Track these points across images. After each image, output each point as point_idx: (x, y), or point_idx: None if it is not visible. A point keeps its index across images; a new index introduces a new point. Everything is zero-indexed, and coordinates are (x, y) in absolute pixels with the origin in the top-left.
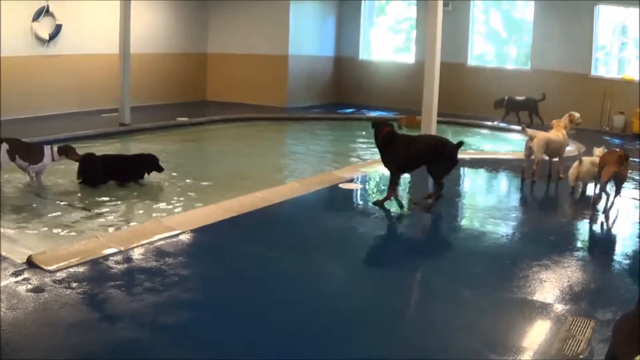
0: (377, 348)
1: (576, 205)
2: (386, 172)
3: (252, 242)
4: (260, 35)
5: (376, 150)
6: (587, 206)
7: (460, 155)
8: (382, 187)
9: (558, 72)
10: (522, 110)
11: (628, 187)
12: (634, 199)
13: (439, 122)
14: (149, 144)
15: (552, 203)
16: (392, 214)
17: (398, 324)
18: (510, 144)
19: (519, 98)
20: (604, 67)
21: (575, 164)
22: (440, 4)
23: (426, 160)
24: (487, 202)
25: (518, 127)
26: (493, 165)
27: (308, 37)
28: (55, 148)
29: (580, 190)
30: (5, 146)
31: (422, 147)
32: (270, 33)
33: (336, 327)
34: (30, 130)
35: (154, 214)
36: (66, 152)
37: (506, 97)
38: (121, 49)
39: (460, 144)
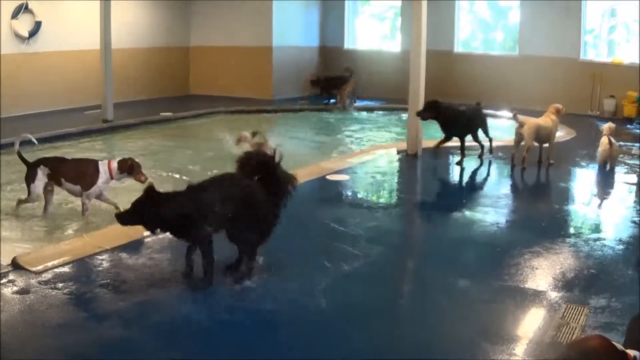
0: (369, 339)
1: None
2: (374, 162)
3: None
4: (243, 27)
5: (363, 140)
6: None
7: (448, 144)
8: (371, 177)
9: (546, 57)
10: (336, 88)
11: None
12: (628, 183)
13: None
14: (134, 140)
15: (542, 189)
16: (381, 205)
17: (389, 314)
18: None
19: (333, 76)
20: (594, 50)
21: (605, 145)
22: None
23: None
24: (476, 190)
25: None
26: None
27: (292, 27)
28: (114, 162)
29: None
30: (44, 170)
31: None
32: (254, 24)
33: (325, 318)
34: (10, 130)
35: None
36: (131, 168)
37: (322, 77)
38: (102, 44)
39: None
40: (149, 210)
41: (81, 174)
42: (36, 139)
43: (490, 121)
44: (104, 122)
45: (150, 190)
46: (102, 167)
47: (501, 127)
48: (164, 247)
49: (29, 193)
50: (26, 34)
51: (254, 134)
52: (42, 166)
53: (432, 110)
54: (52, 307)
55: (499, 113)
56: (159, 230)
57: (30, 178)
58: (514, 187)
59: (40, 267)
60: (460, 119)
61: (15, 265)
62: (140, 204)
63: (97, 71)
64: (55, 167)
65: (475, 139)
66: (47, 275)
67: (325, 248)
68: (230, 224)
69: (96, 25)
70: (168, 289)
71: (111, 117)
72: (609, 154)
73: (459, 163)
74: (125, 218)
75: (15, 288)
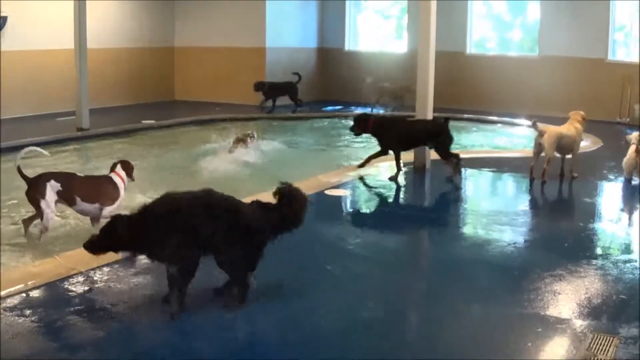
0: None
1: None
2: (377, 176)
3: None
4: (233, 26)
5: (367, 151)
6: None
7: (461, 155)
8: (374, 193)
9: (570, 58)
10: (283, 95)
11: None
12: None
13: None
14: (111, 151)
15: (565, 206)
16: (385, 224)
17: (399, 343)
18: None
19: (279, 82)
20: (624, 49)
21: (632, 153)
22: None
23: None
24: (492, 206)
25: None
26: (498, 165)
27: (288, 26)
28: (120, 170)
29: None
30: (55, 186)
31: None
32: (245, 23)
33: (330, 349)
34: None
35: None
36: (132, 170)
37: (267, 82)
38: (76, 43)
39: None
40: (120, 234)
41: (100, 192)
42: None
43: (506, 130)
44: (78, 131)
45: (117, 216)
46: (116, 179)
47: (519, 136)
48: (143, 269)
49: (39, 211)
50: None
51: (249, 136)
52: (52, 182)
53: (360, 125)
54: (19, 337)
55: (516, 121)
56: (134, 254)
57: (37, 194)
58: (533, 203)
59: (5, 292)
60: (392, 132)
61: None
62: (109, 228)
63: (71, 73)
64: (69, 184)
65: (438, 153)
66: (13, 301)
67: (322, 271)
68: (215, 247)
69: (70, 22)
70: (148, 316)
71: (86, 124)
72: (634, 164)
73: (393, 178)
74: (95, 246)
75: None
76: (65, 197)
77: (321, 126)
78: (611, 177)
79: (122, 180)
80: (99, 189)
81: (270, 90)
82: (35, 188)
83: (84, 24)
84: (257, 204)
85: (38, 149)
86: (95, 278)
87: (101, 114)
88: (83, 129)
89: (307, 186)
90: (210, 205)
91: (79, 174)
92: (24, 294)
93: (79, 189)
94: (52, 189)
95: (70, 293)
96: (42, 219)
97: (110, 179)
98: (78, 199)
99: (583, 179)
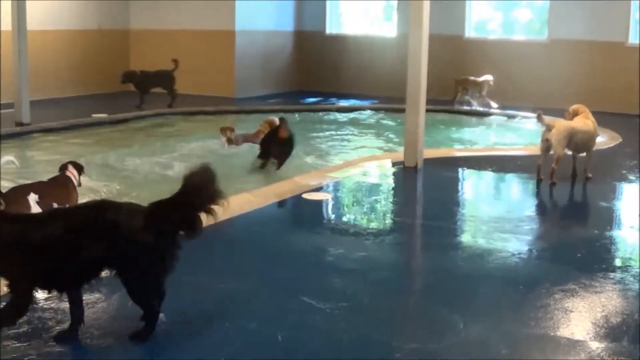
0: None
1: None
2: (362, 177)
3: (191, 271)
4: (198, 5)
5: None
6: None
7: (459, 153)
8: (358, 196)
9: (584, 42)
10: (157, 86)
11: None
12: None
13: (429, 111)
14: (55, 149)
15: (578, 210)
16: (371, 232)
17: None
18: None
19: (151, 71)
20: None
21: None
22: None
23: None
24: (493, 212)
25: None
26: (500, 164)
27: (260, 6)
28: (72, 169)
29: None
30: (34, 197)
31: None
32: (212, 2)
33: None
34: None
35: None
36: (78, 167)
37: (139, 71)
38: (14, 23)
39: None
40: None
41: (66, 192)
42: None
43: (510, 124)
44: (17, 126)
45: None
46: (71, 177)
47: (524, 131)
48: (101, 283)
49: None
50: None
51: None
52: (32, 194)
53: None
54: None
55: (521, 114)
56: None
57: (23, 210)
58: (541, 208)
59: None
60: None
61: None
62: None
63: (8, 59)
64: (44, 192)
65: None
66: None
67: (296, 288)
68: (108, 268)
69: None
70: (99, 339)
71: (27, 118)
72: None
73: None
74: None
75: None
76: (44, 207)
77: (298, 121)
78: (631, 177)
79: (75, 178)
80: (64, 189)
81: (143, 81)
82: (19, 204)
83: (23, 2)
84: (154, 208)
85: (13, 159)
86: (36, 296)
87: (44, 106)
88: (23, 124)
89: (280, 189)
90: (93, 220)
91: (45, 180)
92: None
93: (55, 195)
94: (33, 201)
95: None
96: None
97: (69, 177)
98: (55, 205)
99: (598, 179)
